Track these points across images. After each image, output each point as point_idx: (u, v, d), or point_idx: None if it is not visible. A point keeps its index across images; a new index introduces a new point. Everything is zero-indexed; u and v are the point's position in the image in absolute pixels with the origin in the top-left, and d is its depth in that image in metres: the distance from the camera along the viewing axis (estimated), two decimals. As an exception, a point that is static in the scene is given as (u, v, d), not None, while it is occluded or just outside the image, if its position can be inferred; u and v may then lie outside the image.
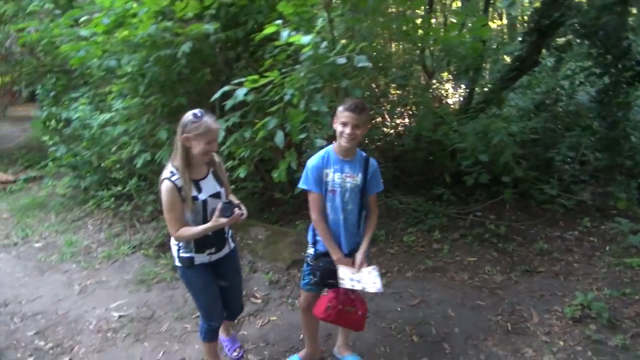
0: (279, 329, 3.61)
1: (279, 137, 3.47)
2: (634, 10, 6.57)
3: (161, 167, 5.35)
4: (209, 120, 2.46)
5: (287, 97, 3.39)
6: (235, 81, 3.46)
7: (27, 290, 4.44)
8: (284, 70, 3.43)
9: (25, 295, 4.34)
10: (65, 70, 6.60)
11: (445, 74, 8.16)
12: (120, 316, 3.91)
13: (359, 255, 2.71)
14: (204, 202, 2.57)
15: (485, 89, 7.16)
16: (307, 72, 3.27)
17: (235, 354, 3.26)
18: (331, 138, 2.95)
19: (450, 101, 7.70)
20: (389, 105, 6.47)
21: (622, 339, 3.22)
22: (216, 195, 2.63)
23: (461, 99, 7.65)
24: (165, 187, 2.47)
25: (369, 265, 2.71)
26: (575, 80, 6.53)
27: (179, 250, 2.68)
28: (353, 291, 2.69)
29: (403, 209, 5.43)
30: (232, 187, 3.83)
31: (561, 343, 3.27)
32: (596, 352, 3.15)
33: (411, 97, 6.46)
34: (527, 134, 5.60)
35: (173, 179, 2.47)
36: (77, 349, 3.53)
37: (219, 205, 2.51)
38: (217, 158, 2.74)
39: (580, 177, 5.90)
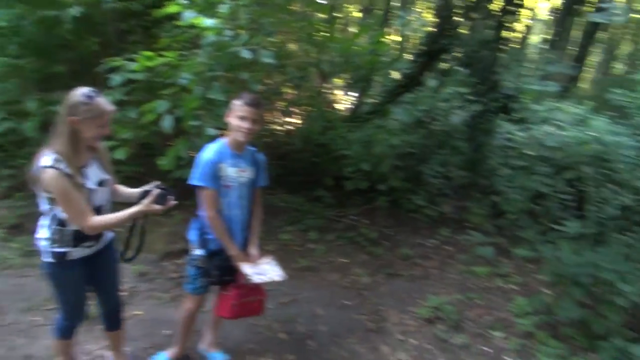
0: (143, 324, 3.47)
1: (168, 122, 3.34)
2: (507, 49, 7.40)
3: (23, 139, 4.88)
4: (102, 101, 2.22)
5: (182, 81, 3.28)
6: (128, 56, 3.26)
7: None
8: (182, 53, 3.32)
9: None
10: None
11: (339, 80, 8.45)
12: (-43, 304, 3.47)
13: (254, 249, 2.75)
14: (92, 191, 2.32)
15: (374, 100, 7.57)
16: (208, 58, 3.18)
17: None
18: (220, 129, 2.92)
19: (340, 107, 7.99)
20: (283, 103, 6.54)
21: (464, 338, 3.64)
22: (102, 184, 2.39)
23: (351, 106, 7.99)
24: (51, 176, 2.15)
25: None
26: (452, 104, 7.18)
27: (51, 243, 2.35)
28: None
29: (283, 207, 5.54)
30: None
31: (414, 341, 3.61)
32: (443, 350, 3.52)
33: (304, 98, 6.59)
34: (405, 147, 6.03)
35: (58, 166, 2.16)
36: None
37: (154, 191, 2.33)
38: (100, 142, 2.48)
39: (444, 192, 6.50)
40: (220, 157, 2.63)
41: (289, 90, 6.76)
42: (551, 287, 4.27)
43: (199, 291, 2.82)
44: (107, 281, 2.67)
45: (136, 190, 2.52)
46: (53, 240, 2.35)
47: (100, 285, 2.64)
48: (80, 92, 2.20)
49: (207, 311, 3.17)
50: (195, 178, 2.62)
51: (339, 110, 7.58)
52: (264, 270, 2.70)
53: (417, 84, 6.97)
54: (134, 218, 2.39)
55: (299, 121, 6.67)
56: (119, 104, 3.73)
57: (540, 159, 6.33)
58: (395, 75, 7.68)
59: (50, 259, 2.38)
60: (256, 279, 2.64)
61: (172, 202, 2.41)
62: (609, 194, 4.74)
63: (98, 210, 2.35)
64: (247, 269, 2.66)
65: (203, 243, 2.73)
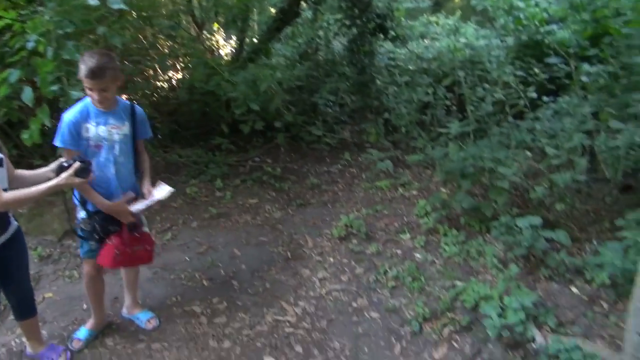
0: (56, 305, 3.32)
1: (27, 94, 3.05)
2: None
3: None
4: None
5: (30, 45, 2.97)
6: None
7: None
8: (22, 12, 2.98)
9: None
10: None
11: (216, 25, 8.13)
12: None
13: (146, 185, 2.70)
14: None
15: (254, 40, 7.42)
16: (53, 15, 2.89)
17: (60, 359, 2.79)
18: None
19: (222, 52, 7.74)
20: (159, 57, 6.19)
21: (376, 246, 3.90)
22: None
23: (232, 50, 7.77)
24: None
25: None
26: (330, 31, 7.24)
27: None
28: (135, 229, 2.69)
29: (183, 162, 5.41)
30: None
31: (331, 259, 3.81)
32: (358, 260, 3.77)
33: (181, 48, 6.29)
34: (292, 81, 6.06)
35: None
36: None
37: (76, 164, 2.17)
38: None
39: (340, 118, 6.69)
40: (83, 117, 2.49)
41: (165, 42, 6.42)
42: (445, 185, 4.66)
43: (91, 254, 2.73)
44: (16, 273, 2.51)
45: (43, 170, 2.38)
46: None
47: (9, 278, 2.47)
48: None
49: (119, 276, 3.10)
50: (57, 139, 2.49)
51: (222, 56, 7.34)
52: (151, 197, 2.70)
53: (293, 17, 6.90)
54: (49, 194, 2.23)
55: (181, 74, 6.39)
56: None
57: (420, 71, 6.68)
58: (272, 11, 7.55)
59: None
60: (142, 206, 2.64)
61: (93, 177, 2.31)
62: (483, 93, 5.14)
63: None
64: (134, 206, 2.64)
65: (82, 205, 2.63)
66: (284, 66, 6.67)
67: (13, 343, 2.95)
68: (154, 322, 3.10)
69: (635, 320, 2.32)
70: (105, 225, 2.60)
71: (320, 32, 7.26)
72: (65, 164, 2.25)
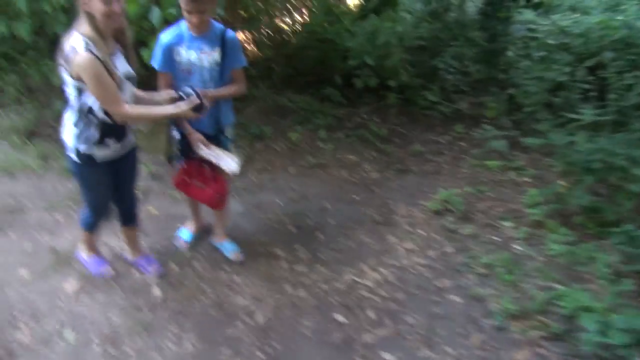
0: (157, 220, 3.57)
1: (155, 14, 3.17)
2: None
3: (21, 43, 4.75)
4: None
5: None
6: None
7: None
8: None
9: None
10: None
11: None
12: (-21, 207, 3.60)
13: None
14: (122, 81, 2.22)
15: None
16: None
17: (151, 269, 3.03)
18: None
19: (349, 1, 7.53)
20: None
21: (472, 228, 3.66)
22: (131, 78, 2.30)
23: (361, 0, 7.52)
24: (84, 59, 2.03)
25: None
26: (466, -9, 6.69)
27: (76, 141, 2.32)
28: (210, 167, 2.74)
29: (292, 107, 5.42)
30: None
31: (422, 232, 3.65)
32: (450, 239, 3.56)
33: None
34: (414, 39, 5.72)
35: (91, 49, 2.05)
36: None
37: (193, 98, 2.30)
38: (128, 33, 2.31)
39: (460, 87, 6.26)
40: (176, 40, 2.52)
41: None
42: (564, 177, 4.19)
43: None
44: (126, 183, 2.74)
45: (164, 94, 2.47)
46: (79, 138, 2.33)
47: (120, 186, 2.67)
48: None
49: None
50: (153, 61, 2.59)
51: (347, 5, 7.13)
52: (219, 155, 2.68)
53: (429, -29, 6.45)
54: (166, 118, 2.36)
55: (305, 18, 6.32)
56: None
57: (561, 47, 5.96)
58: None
59: (76, 159, 2.39)
60: (204, 153, 2.65)
61: (205, 111, 2.40)
62: (632, 80, 4.47)
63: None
64: (203, 148, 2.67)
65: (175, 127, 2.78)
66: (408, 22, 6.32)
67: (115, 245, 3.24)
68: (239, 256, 3.21)
69: None
70: (185, 149, 2.74)
71: (455, -9, 6.73)
72: (184, 95, 2.32)
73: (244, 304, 2.86)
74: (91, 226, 2.83)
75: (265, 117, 5.28)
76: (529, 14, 6.77)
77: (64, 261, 3.10)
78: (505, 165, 4.64)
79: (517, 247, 3.48)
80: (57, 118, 4.77)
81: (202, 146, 2.67)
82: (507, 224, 3.75)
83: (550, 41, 6.20)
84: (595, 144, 3.63)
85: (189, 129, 2.67)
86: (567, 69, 5.07)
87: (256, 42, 6.10)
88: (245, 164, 4.42)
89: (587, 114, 4.04)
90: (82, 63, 2.05)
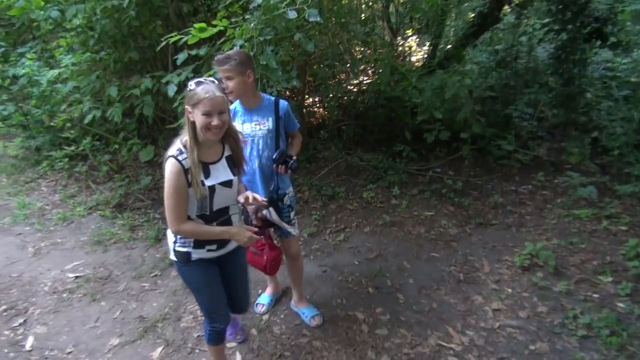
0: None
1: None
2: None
3: (116, 127, 5.25)
4: (204, 87, 2.05)
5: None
6: (184, 30, 3.32)
7: (-22, 254, 4.32)
8: (234, 20, 3.30)
9: (-25, 259, 4.22)
10: (12, 23, 6.23)
11: (410, 30, 8.07)
12: (76, 277, 3.86)
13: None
14: (212, 188, 2.19)
15: (448, 46, 7.13)
16: (257, 23, 3.15)
17: (238, 337, 3.06)
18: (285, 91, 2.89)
19: (414, 58, 7.64)
20: (352, 62, 6.37)
21: (566, 284, 3.38)
22: (227, 184, 2.24)
23: (425, 56, 7.61)
24: (170, 166, 2.08)
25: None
26: (534, 37, 6.56)
27: (174, 242, 2.31)
28: (268, 236, 2.84)
29: (364, 166, 5.45)
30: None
31: (509, 290, 3.42)
32: (542, 297, 3.30)
33: (374, 54, 6.36)
34: (484, 90, 5.63)
35: (180, 158, 2.08)
36: (32, 310, 3.48)
37: (255, 214, 2.57)
38: (237, 139, 2.30)
39: (537, 134, 6.01)
40: (233, 116, 2.69)
41: (359, 48, 6.57)
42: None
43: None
44: (235, 281, 2.55)
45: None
46: (177, 239, 2.30)
47: (229, 285, 2.52)
48: (190, 81, 2.13)
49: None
50: None
51: (412, 62, 7.24)
52: (279, 221, 2.74)
53: (493, 22, 6.43)
54: (219, 237, 2.27)
55: (371, 79, 6.46)
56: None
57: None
58: (469, 15, 7.16)
59: (174, 258, 2.36)
60: (268, 214, 2.68)
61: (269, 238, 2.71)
62: None
63: (219, 212, 2.26)
64: (269, 211, 2.70)
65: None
66: (476, 74, 6.26)
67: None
68: (318, 320, 3.17)
69: None
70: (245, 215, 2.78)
71: (523, 38, 6.63)
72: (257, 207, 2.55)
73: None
74: (213, 337, 2.56)
75: (338, 177, 5.34)
76: (606, 53, 6.49)
77: (150, 328, 3.21)
78: (597, 214, 4.31)
79: (621, 304, 3.16)
80: (145, 192, 5.19)
81: (265, 210, 2.70)
82: (606, 279, 3.43)
83: (633, 79, 5.87)
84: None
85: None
86: (656, 107, 4.74)
87: (325, 106, 6.30)
88: (320, 225, 4.45)
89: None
90: (167, 170, 2.10)
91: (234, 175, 2.28)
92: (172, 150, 2.11)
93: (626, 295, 3.22)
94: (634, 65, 6.17)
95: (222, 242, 2.35)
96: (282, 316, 3.27)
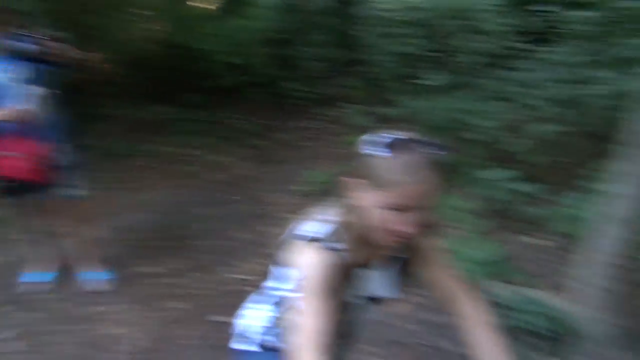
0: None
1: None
2: None
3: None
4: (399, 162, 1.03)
5: None
6: None
7: None
8: None
9: None
10: None
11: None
12: None
13: None
14: (353, 305, 1.30)
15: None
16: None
17: None
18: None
19: (206, 6, 7.41)
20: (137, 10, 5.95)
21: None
22: (375, 300, 1.36)
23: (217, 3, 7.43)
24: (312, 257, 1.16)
25: None
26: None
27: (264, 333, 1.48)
28: None
29: (158, 119, 5.23)
30: None
31: (291, 215, 3.66)
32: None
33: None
34: (273, 32, 5.74)
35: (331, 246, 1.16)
36: None
37: None
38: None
39: (325, 73, 6.39)
40: None
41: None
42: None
43: None
44: None
45: None
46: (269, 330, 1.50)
47: None
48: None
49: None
50: None
51: (203, 8, 7.02)
52: None
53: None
54: None
55: (158, 26, 6.13)
56: None
57: (410, 22, 6.29)
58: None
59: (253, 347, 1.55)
60: None
61: None
62: (475, 44, 4.81)
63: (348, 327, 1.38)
64: None
65: None
66: (268, 17, 6.32)
67: None
68: (108, 284, 3.04)
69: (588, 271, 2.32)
70: None
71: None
72: None
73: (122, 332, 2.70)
74: None
75: (131, 133, 5.05)
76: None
77: None
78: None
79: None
80: None
81: None
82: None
83: (399, 18, 6.52)
84: (436, 104, 3.86)
85: None
86: (418, 41, 5.34)
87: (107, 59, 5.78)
88: (110, 185, 4.20)
89: (436, 78, 4.29)
90: (306, 260, 1.18)
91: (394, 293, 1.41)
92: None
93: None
94: (401, 6, 6.82)
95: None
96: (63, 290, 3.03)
